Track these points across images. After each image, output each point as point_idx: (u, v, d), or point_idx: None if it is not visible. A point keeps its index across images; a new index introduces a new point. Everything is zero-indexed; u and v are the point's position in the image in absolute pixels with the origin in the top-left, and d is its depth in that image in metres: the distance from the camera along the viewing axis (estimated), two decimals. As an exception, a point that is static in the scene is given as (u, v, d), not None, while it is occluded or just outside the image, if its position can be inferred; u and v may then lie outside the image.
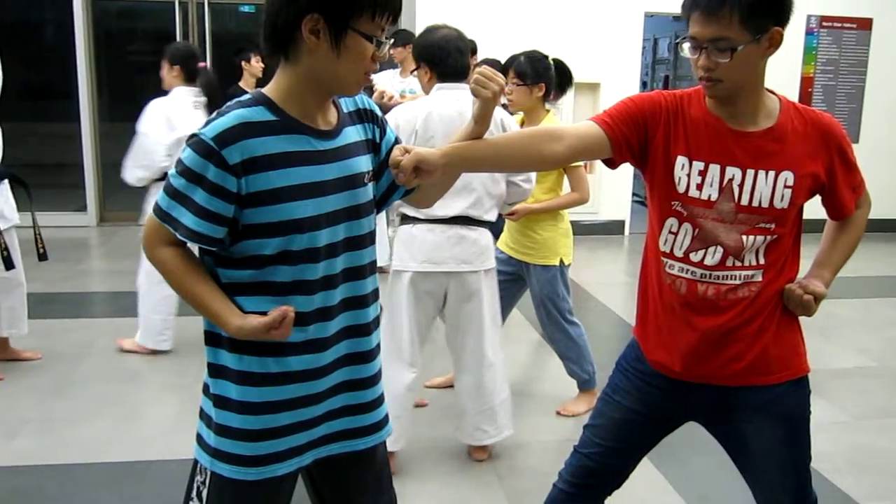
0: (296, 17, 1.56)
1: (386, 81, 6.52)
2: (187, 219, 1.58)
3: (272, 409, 1.69)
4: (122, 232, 8.10)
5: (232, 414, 1.69)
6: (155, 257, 1.66)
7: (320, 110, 1.69)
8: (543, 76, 3.77)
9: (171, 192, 1.60)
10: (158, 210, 1.62)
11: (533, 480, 3.25)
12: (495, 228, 4.75)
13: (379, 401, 1.88)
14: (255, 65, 6.51)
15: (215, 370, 1.72)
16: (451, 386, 4.22)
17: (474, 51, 6.19)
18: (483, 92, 1.75)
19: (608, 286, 6.60)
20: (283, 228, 1.61)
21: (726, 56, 1.78)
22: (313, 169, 1.64)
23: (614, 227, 8.65)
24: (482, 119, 1.81)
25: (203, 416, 1.77)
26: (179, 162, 1.60)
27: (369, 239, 1.79)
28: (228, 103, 1.65)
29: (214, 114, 1.62)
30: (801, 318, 2.04)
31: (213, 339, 1.72)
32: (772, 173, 1.88)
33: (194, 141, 1.58)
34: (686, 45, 1.85)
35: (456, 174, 1.96)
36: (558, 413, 3.98)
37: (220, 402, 1.71)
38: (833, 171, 1.94)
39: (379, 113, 1.86)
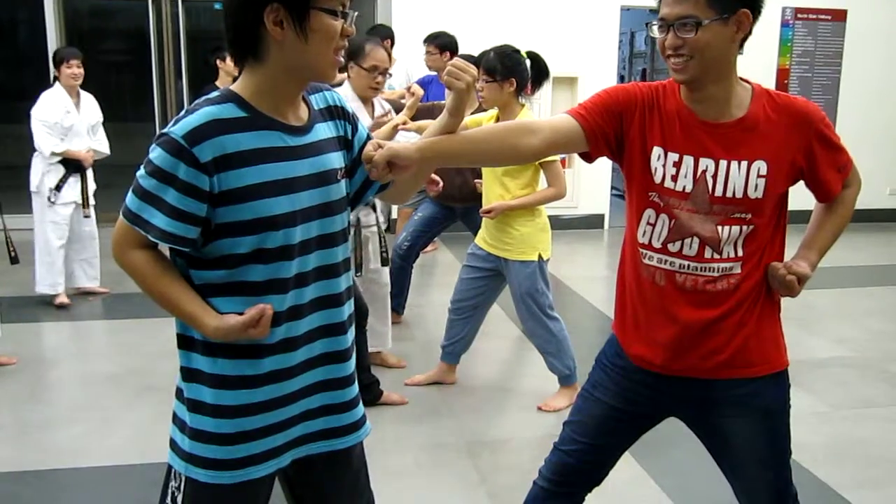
0: (256, 13, 1.55)
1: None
2: (159, 220, 1.55)
3: (247, 411, 1.67)
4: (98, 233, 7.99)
5: (206, 418, 1.66)
6: (125, 262, 1.62)
7: (291, 106, 1.67)
8: (513, 71, 3.74)
9: (141, 194, 1.56)
10: (128, 212, 1.58)
11: (515, 477, 3.24)
12: (473, 224, 4.77)
13: (356, 400, 1.86)
14: (230, 63, 6.44)
15: (189, 374, 1.69)
16: (432, 383, 4.22)
17: (454, 47, 6.15)
18: (456, 84, 1.75)
19: (588, 280, 6.60)
20: (257, 226, 1.59)
21: (691, 31, 1.79)
22: (285, 165, 1.62)
23: (594, 221, 8.67)
24: (456, 111, 1.81)
25: (176, 420, 1.74)
26: (149, 162, 1.56)
27: (342, 236, 1.77)
28: (197, 101, 1.62)
29: (183, 112, 1.59)
30: (780, 309, 2.04)
31: (187, 342, 1.69)
32: (744, 163, 1.88)
33: (164, 140, 1.54)
34: (655, 28, 1.87)
35: (431, 169, 1.96)
36: (539, 409, 3.97)
37: (195, 406, 1.68)
38: (812, 155, 1.93)
39: (350, 109, 1.84)
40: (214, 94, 1.63)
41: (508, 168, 3.74)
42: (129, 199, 1.58)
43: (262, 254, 1.60)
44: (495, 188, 3.85)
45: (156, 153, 1.55)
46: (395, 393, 4.03)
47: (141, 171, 1.57)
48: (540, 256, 3.85)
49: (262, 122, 1.61)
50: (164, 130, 1.56)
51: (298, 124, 1.68)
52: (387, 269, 4.28)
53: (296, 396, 1.72)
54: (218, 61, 6.46)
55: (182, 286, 1.62)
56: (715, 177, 1.88)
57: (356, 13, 1.65)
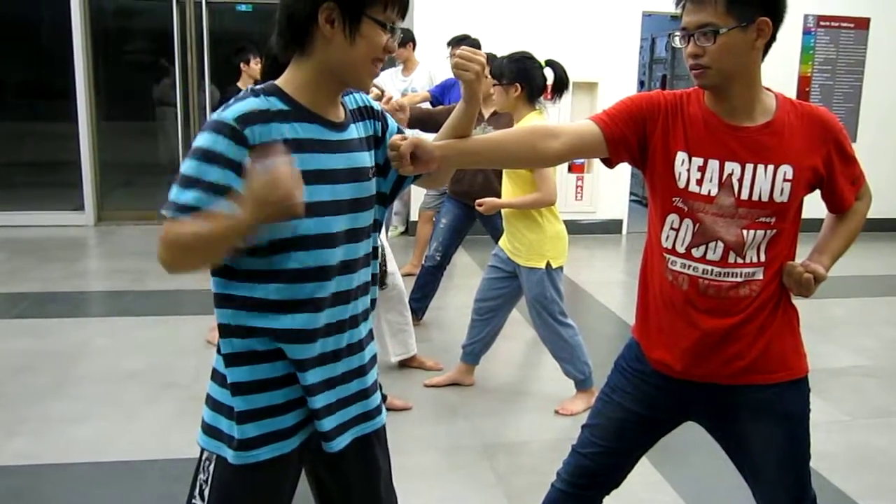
0: (313, 7, 1.60)
1: (388, 81, 6.52)
2: (191, 196, 1.53)
3: (266, 386, 1.69)
4: (119, 231, 8.10)
5: (240, 397, 1.68)
6: (162, 248, 1.56)
7: (331, 105, 1.72)
8: (519, 77, 3.77)
9: (184, 182, 1.55)
10: (174, 206, 1.55)
11: (532, 480, 3.25)
12: (493, 227, 4.79)
13: (374, 386, 1.89)
14: (254, 67, 6.49)
15: (232, 358, 1.70)
16: (450, 385, 4.24)
17: (478, 49, 6.18)
18: (465, 75, 1.80)
19: (606, 285, 6.60)
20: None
21: (710, 40, 1.82)
22: (325, 157, 1.67)
23: (612, 227, 8.66)
24: (471, 99, 1.85)
25: (215, 404, 1.74)
26: (193, 149, 1.57)
27: (366, 233, 1.80)
28: (242, 92, 1.66)
29: (232, 100, 1.62)
30: (798, 315, 2.05)
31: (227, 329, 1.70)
32: (770, 167, 1.90)
33: (211, 124, 1.58)
34: (677, 37, 1.89)
35: (453, 166, 1.99)
36: (556, 412, 3.98)
37: (234, 387, 1.69)
38: (831, 164, 1.95)
39: (378, 107, 1.89)
40: (258, 87, 1.67)
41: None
42: (175, 191, 1.56)
43: (302, 240, 1.62)
44: (508, 188, 3.92)
45: (199, 137, 1.58)
46: (399, 399, 4.00)
47: (183, 162, 1.58)
48: (549, 265, 3.86)
49: (302, 115, 1.66)
50: (213, 117, 1.59)
51: (336, 121, 1.73)
52: (397, 271, 4.30)
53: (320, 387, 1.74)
54: (241, 64, 6.50)
55: (203, 221, 1.54)
56: (741, 180, 1.90)
57: (400, 32, 1.71)
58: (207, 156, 1.56)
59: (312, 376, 1.71)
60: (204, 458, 1.74)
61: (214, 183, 1.55)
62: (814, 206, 2.14)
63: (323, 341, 1.72)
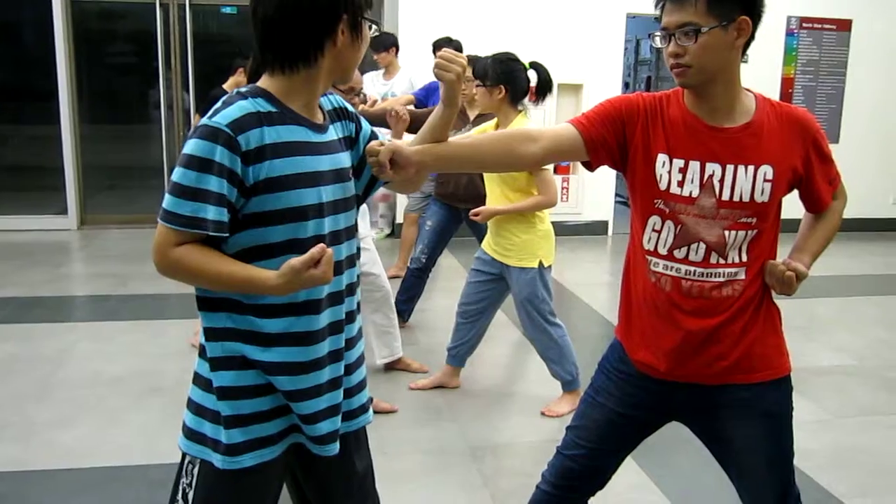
0: (333, 25, 1.65)
1: (368, 84, 6.52)
2: (211, 212, 1.55)
3: (257, 392, 1.69)
4: (103, 235, 8.04)
5: (230, 402, 1.68)
6: (170, 262, 1.58)
7: (315, 106, 1.75)
8: (504, 79, 3.77)
9: (191, 193, 1.54)
10: (177, 217, 1.55)
11: (517, 481, 3.26)
12: (478, 229, 4.79)
13: (363, 383, 1.90)
14: (243, 78, 6.43)
15: (219, 362, 1.69)
16: (436, 387, 4.23)
17: (458, 51, 6.18)
18: (445, 76, 1.81)
19: (591, 286, 6.62)
20: (288, 216, 1.63)
21: (691, 39, 1.82)
22: (312, 159, 1.68)
23: (597, 228, 8.69)
24: (450, 101, 1.86)
25: (198, 409, 1.73)
26: (183, 156, 1.56)
27: (347, 234, 1.80)
28: (228, 95, 1.66)
29: (220, 104, 1.62)
30: (782, 317, 2.06)
31: (224, 332, 1.70)
32: (751, 168, 1.91)
33: (202, 129, 1.57)
34: (658, 37, 1.90)
35: (430, 171, 1.99)
36: (542, 413, 3.99)
37: (220, 391, 1.68)
38: (809, 164, 1.97)
39: (352, 109, 1.90)
40: (244, 89, 1.67)
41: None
42: (173, 202, 1.55)
43: (297, 244, 1.62)
44: (495, 191, 3.89)
45: (191, 143, 1.57)
46: (385, 401, 3.98)
47: (176, 170, 1.57)
48: (541, 263, 3.86)
49: (290, 117, 1.67)
50: (203, 122, 1.58)
51: (319, 122, 1.74)
52: (383, 273, 4.29)
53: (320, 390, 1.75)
54: (240, 69, 6.40)
55: (228, 259, 1.61)
56: (722, 181, 1.91)
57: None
58: (203, 164, 1.54)
59: (307, 380, 1.71)
60: (186, 461, 1.74)
61: (212, 192, 1.55)
62: (793, 206, 2.15)
63: (320, 344, 1.73)
